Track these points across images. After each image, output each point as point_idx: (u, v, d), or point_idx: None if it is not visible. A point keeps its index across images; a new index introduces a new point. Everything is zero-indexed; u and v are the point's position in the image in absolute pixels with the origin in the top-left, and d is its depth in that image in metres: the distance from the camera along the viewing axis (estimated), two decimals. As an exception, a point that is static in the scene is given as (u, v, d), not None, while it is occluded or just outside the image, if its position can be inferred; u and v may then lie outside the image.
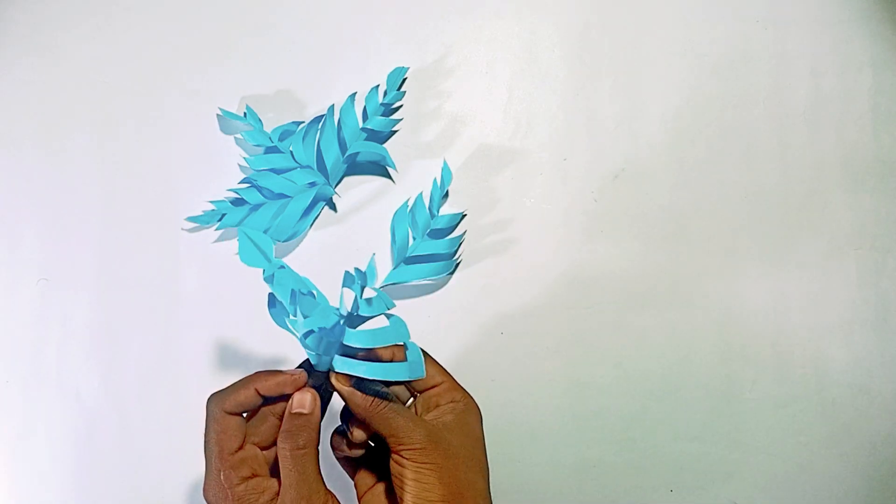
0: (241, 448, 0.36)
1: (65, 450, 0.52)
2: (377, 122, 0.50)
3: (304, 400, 0.36)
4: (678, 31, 0.52)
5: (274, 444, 0.37)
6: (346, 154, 0.49)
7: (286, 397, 0.37)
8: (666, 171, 0.51)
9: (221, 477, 0.35)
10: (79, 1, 0.53)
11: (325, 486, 0.35)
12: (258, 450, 0.37)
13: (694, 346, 0.51)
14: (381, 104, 0.50)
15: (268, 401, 0.37)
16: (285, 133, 0.50)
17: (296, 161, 0.50)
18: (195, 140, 0.53)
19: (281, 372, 0.37)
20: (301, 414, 0.36)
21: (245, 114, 0.51)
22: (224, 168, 0.52)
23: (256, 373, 0.37)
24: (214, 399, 0.36)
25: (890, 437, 0.50)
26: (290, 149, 0.50)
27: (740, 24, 0.52)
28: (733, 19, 0.52)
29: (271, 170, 0.50)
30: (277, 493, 0.35)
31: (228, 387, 0.37)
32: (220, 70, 0.53)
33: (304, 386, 0.38)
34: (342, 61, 0.52)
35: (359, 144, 0.49)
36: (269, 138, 0.50)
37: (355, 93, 0.50)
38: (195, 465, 0.51)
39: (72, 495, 0.51)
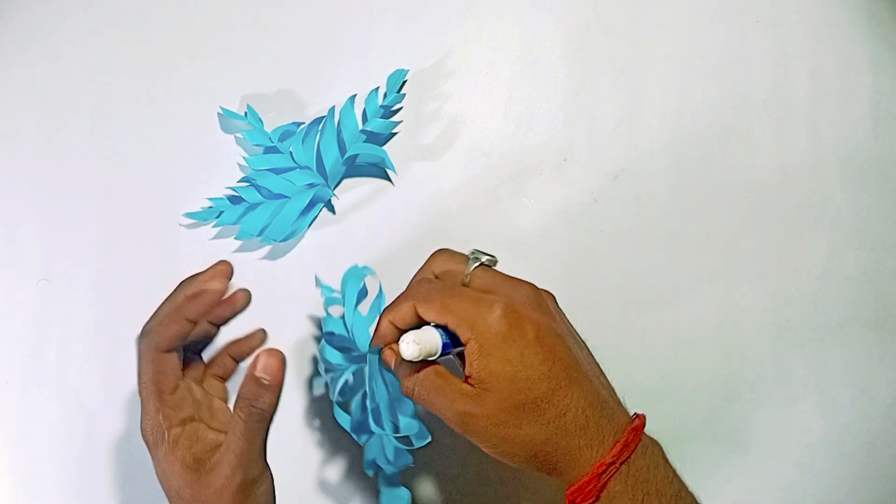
0: (177, 387, 0.36)
1: (65, 450, 0.52)
2: (376, 125, 0.49)
3: (271, 367, 0.34)
4: (678, 31, 0.52)
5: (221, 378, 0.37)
6: (346, 156, 0.49)
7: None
8: (666, 171, 0.51)
9: (160, 417, 0.34)
10: (79, 1, 0.53)
11: (265, 460, 0.35)
12: (196, 387, 0.37)
13: (694, 347, 0.51)
14: (381, 106, 0.50)
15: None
16: (285, 133, 0.50)
17: (295, 162, 0.50)
18: (195, 140, 0.53)
19: (199, 275, 0.37)
20: (263, 382, 0.34)
21: (246, 113, 0.51)
22: (224, 168, 0.52)
23: (178, 288, 0.37)
24: (145, 337, 0.36)
25: (890, 437, 0.50)
26: (290, 149, 0.50)
27: (740, 24, 0.52)
28: (733, 19, 0.52)
29: (270, 169, 0.50)
30: (215, 447, 0.35)
31: (155, 319, 0.36)
32: (220, 70, 0.53)
33: (244, 305, 0.37)
34: (342, 61, 0.52)
35: (358, 146, 0.49)
36: (269, 138, 0.50)
37: (355, 95, 0.50)
38: (195, 466, 0.51)
39: (72, 495, 0.51)
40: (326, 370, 0.45)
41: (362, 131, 0.50)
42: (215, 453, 0.34)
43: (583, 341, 0.37)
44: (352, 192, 0.52)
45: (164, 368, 0.35)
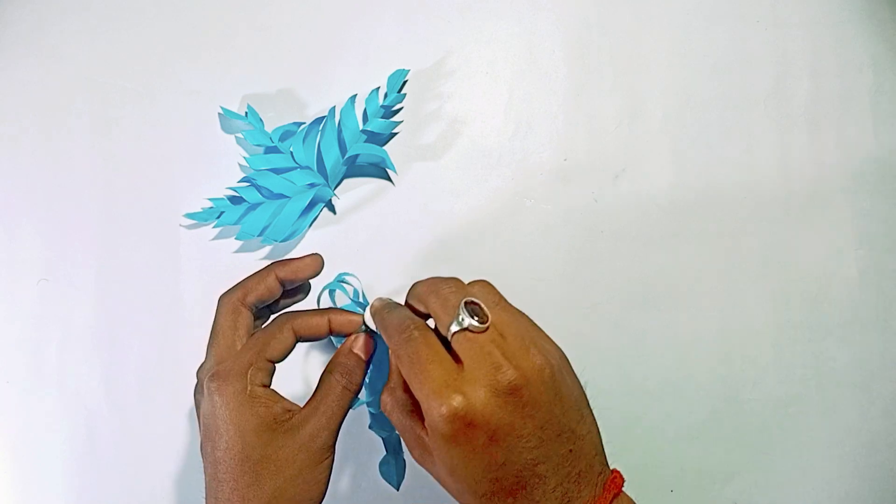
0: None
1: (65, 450, 0.52)
2: (377, 125, 0.50)
3: (367, 345, 0.37)
4: (678, 31, 0.52)
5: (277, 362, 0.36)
6: (346, 156, 0.49)
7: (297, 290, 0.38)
8: (666, 171, 0.51)
9: (248, 374, 0.33)
10: (79, 1, 0.53)
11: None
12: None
13: (694, 346, 0.51)
14: (382, 106, 0.50)
15: (287, 293, 0.38)
16: (286, 133, 0.50)
17: (295, 162, 0.50)
18: (195, 139, 0.53)
19: (295, 259, 0.37)
20: (359, 356, 0.36)
21: (246, 113, 0.51)
22: (224, 168, 0.52)
23: (272, 263, 0.37)
24: (234, 292, 0.36)
25: (890, 437, 0.50)
26: (291, 149, 0.50)
27: (740, 24, 0.52)
28: (733, 19, 0.52)
29: (271, 169, 0.50)
30: (288, 408, 0.34)
31: (242, 282, 0.36)
32: (220, 70, 0.53)
33: (317, 271, 0.37)
34: (342, 61, 0.52)
35: (359, 146, 0.49)
36: (270, 138, 0.50)
37: (355, 95, 0.50)
38: (196, 466, 0.51)
39: (72, 495, 0.51)
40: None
41: (363, 131, 0.50)
42: (292, 414, 0.34)
43: (580, 404, 0.32)
44: (352, 192, 0.52)
45: (243, 323, 0.35)
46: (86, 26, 0.53)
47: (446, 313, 0.31)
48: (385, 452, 0.44)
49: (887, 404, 0.50)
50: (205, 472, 0.34)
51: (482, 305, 0.31)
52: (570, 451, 0.30)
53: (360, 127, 0.50)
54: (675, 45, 0.52)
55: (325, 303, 0.50)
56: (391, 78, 0.51)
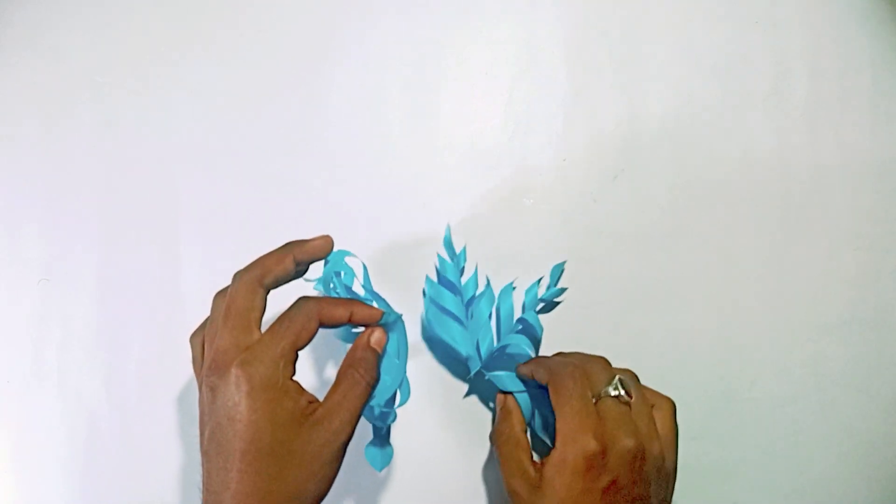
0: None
1: (65, 450, 0.52)
2: (532, 317, 0.47)
3: (382, 339, 0.38)
4: (678, 31, 0.52)
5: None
6: (498, 345, 0.46)
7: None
8: (666, 171, 0.51)
9: (281, 364, 0.33)
10: (79, 1, 0.53)
11: None
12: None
13: (693, 346, 0.51)
14: (540, 299, 0.48)
15: (300, 273, 0.38)
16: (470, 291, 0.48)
17: (460, 320, 0.46)
18: (195, 139, 0.53)
19: (310, 241, 0.37)
20: (377, 351, 0.37)
21: (453, 248, 0.48)
22: (224, 168, 0.52)
23: (286, 243, 0.37)
24: (250, 271, 0.35)
25: (890, 437, 0.50)
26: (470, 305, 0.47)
27: (740, 24, 0.52)
28: (733, 20, 0.52)
29: (443, 309, 0.46)
30: (311, 401, 0.34)
31: (259, 261, 0.36)
32: (220, 70, 0.53)
33: (328, 251, 0.38)
34: (340, 60, 0.52)
35: (512, 337, 0.46)
36: (459, 282, 0.47)
37: (514, 281, 0.49)
38: (196, 466, 0.51)
39: (72, 495, 0.51)
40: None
41: (518, 321, 0.47)
42: (314, 407, 0.34)
43: (670, 480, 0.39)
44: (356, 193, 0.52)
45: (259, 305, 0.35)
46: (86, 26, 0.53)
47: (600, 380, 0.38)
48: (372, 437, 0.44)
49: (886, 404, 0.50)
50: (209, 461, 0.33)
51: (630, 385, 0.39)
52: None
53: (515, 316, 0.48)
54: (674, 45, 0.52)
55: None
56: (553, 271, 0.49)
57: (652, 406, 0.39)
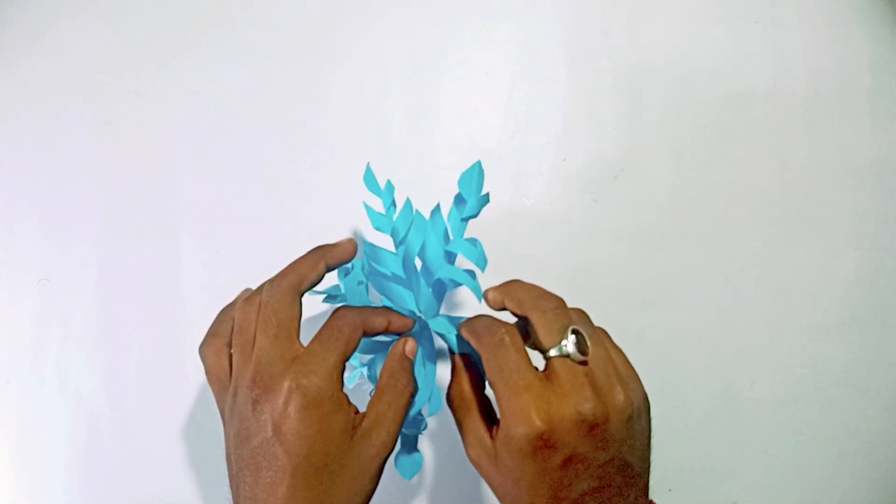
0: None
1: (65, 450, 0.52)
2: (460, 246, 0.40)
3: (415, 348, 0.37)
4: (678, 31, 0.52)
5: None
6: (433, 280, 0.40)
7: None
8: (666, 171, 0.51)
9: (335, 376, 0.32)
10: (79, 1, 0.53)
11: None
12: None
13: (693, 346, 0.51)
14: (462, 219, 0.41)
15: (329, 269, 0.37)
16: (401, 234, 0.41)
17: (396, 275, 0.40)
18: (195, 140, 0.53)
19: (337, 244, 0.37)
20: (411, 360, 0.36)
21: (383, 187, 0.42)
22: (224, 167, 0.52)
23: (316, 248, 0.36)
24: (285, 278, 0.34)
25: (890, 436, 0.50)
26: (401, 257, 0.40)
27: (740, 24, 0.52)
28: (733, 19, 0.52)
29: (381, 274, 0.40)
30: (355, 413, 0.33)
31: (293, 267, 0.35)
32: (220, 70, 0.53)
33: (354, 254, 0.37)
34: (341, 61, 0.52)
35: (445, 270, 0.40)
36: (393, 230, 0.41)
37: (438, 205, 0.42)
38: (196, 465, 0.51)
39: (72, 495, 0.51)
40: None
41: (444, 254, 0.41)
42: (361, 419, 0.33)
43: (645, 444, 0.34)
44: (353, 187, 0.52)
45: (298, 314, 0.34)
46: (86, 26, 0.53)
47: (549, 334, 0.32)
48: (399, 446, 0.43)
49: (885, 403, 0.50)
50: (252, 474, 0.31)
51: (586, 338, 0.32)
52: (625, 482, 0.32)
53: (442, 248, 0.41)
54: (674, 45, 0.52)
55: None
56: (462, 179, 0.40)
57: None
